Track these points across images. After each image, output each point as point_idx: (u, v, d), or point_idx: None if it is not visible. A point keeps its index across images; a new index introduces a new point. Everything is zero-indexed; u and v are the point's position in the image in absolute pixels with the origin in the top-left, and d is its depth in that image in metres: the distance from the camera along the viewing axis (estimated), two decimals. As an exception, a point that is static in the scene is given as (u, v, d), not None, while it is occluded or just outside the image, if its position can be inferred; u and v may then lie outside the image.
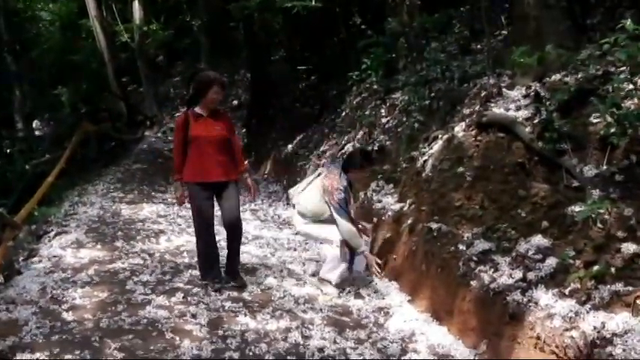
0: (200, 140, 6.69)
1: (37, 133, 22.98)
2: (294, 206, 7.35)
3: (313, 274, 7.32)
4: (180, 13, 30.55)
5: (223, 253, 7.06)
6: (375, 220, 7.82)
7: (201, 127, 6.71)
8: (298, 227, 7.23)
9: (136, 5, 28.03)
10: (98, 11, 25.81)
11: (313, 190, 7.06)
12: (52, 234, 8.86)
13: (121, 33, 28.38)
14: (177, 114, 26.87)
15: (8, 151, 17.50)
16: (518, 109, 6.54)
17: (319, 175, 7.30)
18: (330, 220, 6.88)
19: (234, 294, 6.65)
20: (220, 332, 5.63)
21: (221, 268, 6.97)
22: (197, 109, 6.80)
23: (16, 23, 23.73)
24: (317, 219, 6.99)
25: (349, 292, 6.93)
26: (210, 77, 6.84)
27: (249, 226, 7.61)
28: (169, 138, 23.23)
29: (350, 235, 6.78)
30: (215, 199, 6.89)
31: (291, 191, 7.51)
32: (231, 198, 6.85)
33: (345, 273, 6.96)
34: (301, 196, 7.15)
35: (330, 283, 6.94)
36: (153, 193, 12.78)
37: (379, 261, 6.93)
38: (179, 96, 29.90)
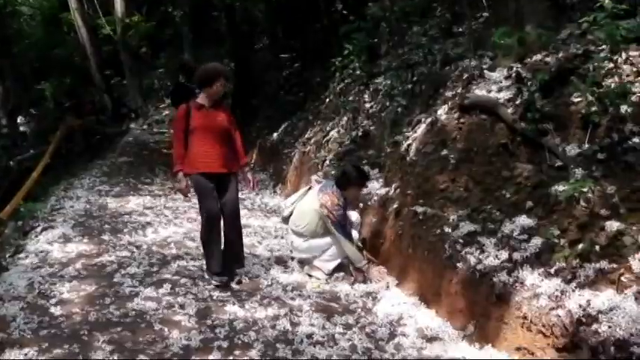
0: (202, 131, 6.66)
1: (21, 128, 22.83)
2: (284, 221, 7.49)
3: (301, 262, 7.34)
4: (161, 5, 30.35)
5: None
6: (361, 205, 7.83)
7: (204, 118, 6.69)
8: (299, 250, 7.26)
9: (117, -3, 27.87)
10: (79, 4, 25.64)
11: (306, 205, 7.16)
12: (38, 229, 8.81)
13: (103, 26, 28.15)
14: (162, 105, 26.89)
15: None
16: (500, 90, 6.56)
17: (309, 189, 7.38)
18: (326, 234, 7.01)
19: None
20: (209, 322, 5.64)
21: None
22: (199, 100, 6.79)
23: (-4, 19, 23.59)
24: (314, 234, 7.05)
25: (337, 277, 6.97)
26: (217, 70, 6.88)
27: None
28: (154, 130, 23.15)
29: (350, 251, 6.88)
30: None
31: (281, 204, 7.54)
32: (231, 191, 6.81)
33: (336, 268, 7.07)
34: (294, 214, 7.26)
35: (321, 270, 6.98)
36: (139, 186, 12.74)
37: (382, 271, 6.93)
38: (164, 87, 29.78)
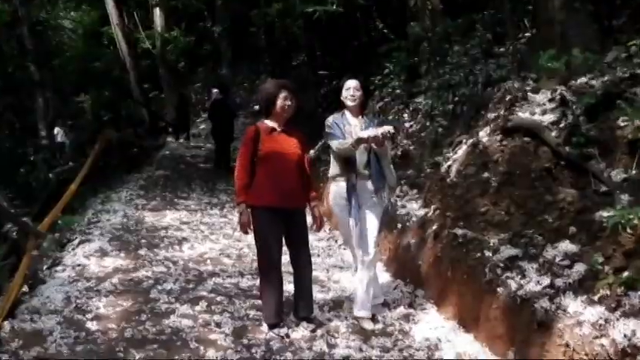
0: (274, 158, 5.91)
1: (59, 140, 23.05)
2: None
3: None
4: (201, 20, 30.70)
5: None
6: (399, 226, 7.76)
7: (276, 143, 5.97)
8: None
9: (158, 12, 28.17)
10: (120, 19, 25.87)
11: None
12: (75, 242, 8.86)
13: (143, 40, 28.50)
14: (199, 120, 27.02)
15: (32, 159, 17.58)
16: (543, 113, 6.46)
17: None
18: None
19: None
20: (245, 341, 5.62)
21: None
22: (268, 122, 6.07)
23: (39, 32, 23.90)
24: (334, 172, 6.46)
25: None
26: (276, 84, 6.15)
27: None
28: (191, 144, 23.23)
29: (338, 147, 6.23)
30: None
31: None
32: (301, 228, 6.08)
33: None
34: None
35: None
36: (175, 200, 12.76)
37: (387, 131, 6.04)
38: (201, 102, 29.96)
